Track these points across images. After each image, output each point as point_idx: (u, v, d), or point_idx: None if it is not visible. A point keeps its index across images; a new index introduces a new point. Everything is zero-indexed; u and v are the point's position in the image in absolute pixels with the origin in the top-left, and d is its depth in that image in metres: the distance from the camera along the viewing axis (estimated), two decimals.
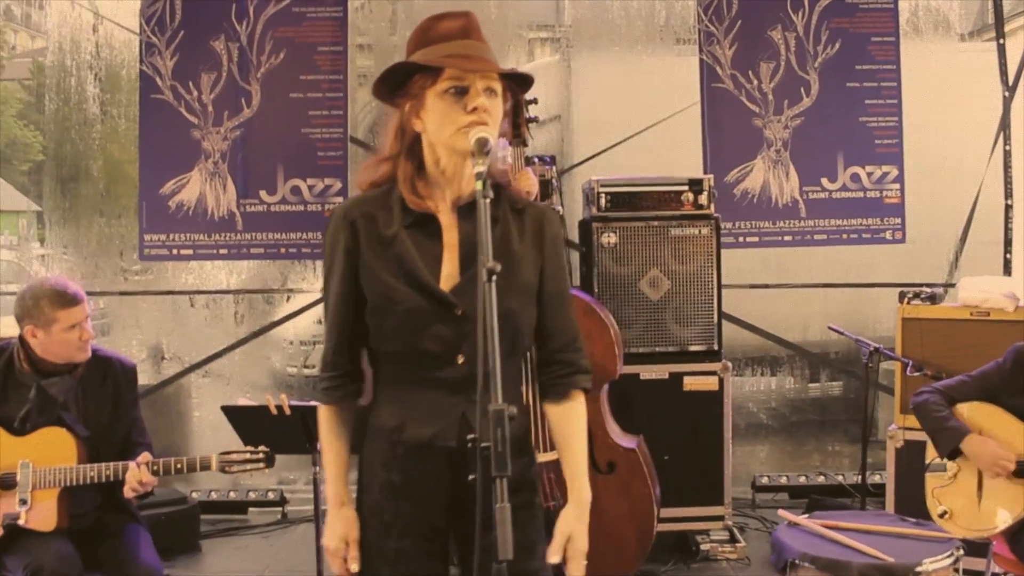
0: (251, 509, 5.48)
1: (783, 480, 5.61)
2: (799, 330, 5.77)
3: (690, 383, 4.61)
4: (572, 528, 2.07)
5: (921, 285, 4.76)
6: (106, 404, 3.38)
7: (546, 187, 4.61)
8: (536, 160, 4.58)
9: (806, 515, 3.04)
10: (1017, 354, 3.42)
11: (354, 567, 2.08)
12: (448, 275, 2.06)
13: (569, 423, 2.18)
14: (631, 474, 3.57)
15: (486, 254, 1.81)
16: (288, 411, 3.48)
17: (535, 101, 3.99)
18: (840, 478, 5.52)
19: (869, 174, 5.52)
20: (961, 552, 2.76)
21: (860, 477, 4.44)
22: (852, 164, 5.52)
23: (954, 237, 5.82)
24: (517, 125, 3.90)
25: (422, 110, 2.04)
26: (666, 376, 4.61)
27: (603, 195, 4.67)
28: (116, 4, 5.71)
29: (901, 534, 2.87)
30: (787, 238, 5.54)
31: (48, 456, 3.21)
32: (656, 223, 4.64)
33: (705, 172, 5.36)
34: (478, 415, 1.76)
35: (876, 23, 5.55)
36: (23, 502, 3.17)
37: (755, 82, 5.52)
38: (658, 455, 4.32)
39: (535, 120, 3.96)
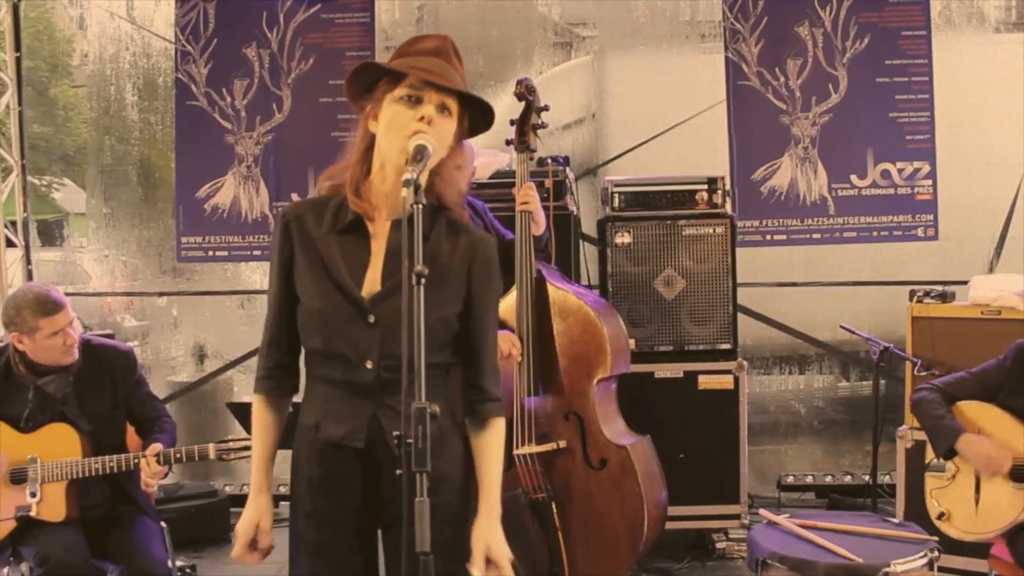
0: (282, 503, 5.59)
1: (808, 480, 5.57)
2: (828, 329, 5.68)
3: (705, 382, 4.62)
4: (489, 537, 2.11)
5: (955, 283, 4.67)
6: (104, 393, 3.53)
7: (560, 188, 4.64)
8: (549, 160, 4.61)
9: (787, 515, 3.04)
10: (1018, 352, 3.36)
11: (264, 541, 2.19)
12: (370, 283, 2.13)
13: (488, 444, 2.22)
14: (622, 471, 3.60)
15: (414, 257, 1.87)
16: (291, 408, 3.59)
17: (547, 108, 3.99)
18: (867, 478, 5.44)
19: (900, 170, 5.42)
20: (936, 554, 2.74)
21: (872, 478, 4.39)
22: (882, 160, 5.43)
23: (990, 234, 5.68)
24: (523, 132, 3.89)
25: (379, 112, 2.12)
26: (681, 375, 4.62)
27: (617, 195, 4.70)
28: (152, 14, 5.92)
29: (877, 535, 2.86)
30: (816, 236, 5.47)
31: (55, 451, 3.38)
32: (670, 222, 4.66)
33: (732, 170, 5.34)
34: (403, 413, 1.83)
35: (907, 17, 5.44)
36: (33, 495, 3.34)
37: (782, 79, 5.46)
38: (673, 454, 4.34)
39: (543, 126, 3.96)
